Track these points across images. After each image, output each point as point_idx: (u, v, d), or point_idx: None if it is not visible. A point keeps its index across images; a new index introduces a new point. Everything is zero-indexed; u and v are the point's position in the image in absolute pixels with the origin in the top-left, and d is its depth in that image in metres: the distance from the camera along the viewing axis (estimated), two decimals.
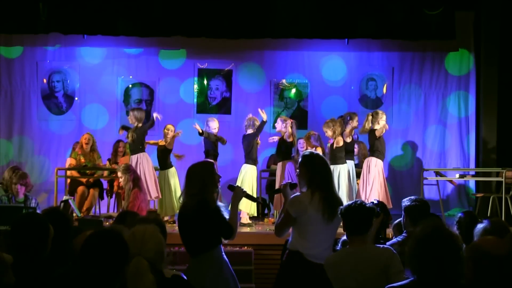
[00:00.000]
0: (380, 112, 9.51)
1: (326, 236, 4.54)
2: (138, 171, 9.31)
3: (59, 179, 10.06)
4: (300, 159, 4.73)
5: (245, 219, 9.29)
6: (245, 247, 8.20)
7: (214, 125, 9.82)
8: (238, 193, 4.82)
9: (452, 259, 2.82)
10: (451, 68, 11.93)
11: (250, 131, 9.72)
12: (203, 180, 4.66)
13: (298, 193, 4.63)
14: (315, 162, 4.64)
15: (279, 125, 9.89)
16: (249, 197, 5.11)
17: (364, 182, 9.35)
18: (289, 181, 4.92)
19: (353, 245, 4.05)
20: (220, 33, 10.74)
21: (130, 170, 8.93)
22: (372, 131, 9.42)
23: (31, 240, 3.63)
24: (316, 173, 4.58)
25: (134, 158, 9.61)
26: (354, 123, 9.59)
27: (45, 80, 11.85)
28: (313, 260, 4.44)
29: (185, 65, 12.02)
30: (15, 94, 11.74)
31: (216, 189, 4.75)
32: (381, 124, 9.35)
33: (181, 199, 4.77)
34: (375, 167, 9.35)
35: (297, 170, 4.76)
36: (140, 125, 9.63)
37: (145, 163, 9.54)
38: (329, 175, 4.66)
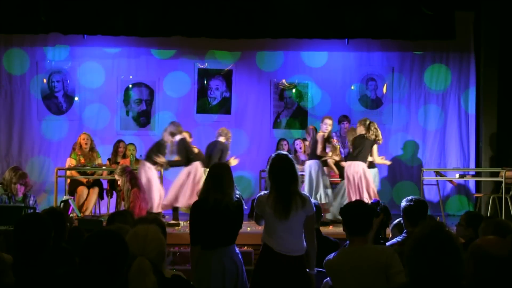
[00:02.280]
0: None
1: (286, 231, 4.79)
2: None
3: (59, 179, 10.06)
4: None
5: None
6: (245, 247, 8.20)
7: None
8: None
9: (450, 260, 2.82)
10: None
11: (221, 139, 9.65)
12: (232, 180, 5.13)
13: (262, 193, 5.00)
14: (272, 163, 4.95)
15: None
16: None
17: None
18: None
19: (353, 245, 4.05)
20: (220, 33, 10.74)
21: (126, 171, 8.94)
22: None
23: (34, 240, 3.64)
24: (271, 174, 4.92)
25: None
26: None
27: (45, 80, 11.85)
28: (282, 252, 4.77)
29: (185, 65, 12.02)
30: (15, 94, 11.74)
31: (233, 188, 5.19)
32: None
33: (200, 194, 5.23)
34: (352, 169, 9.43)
35: None
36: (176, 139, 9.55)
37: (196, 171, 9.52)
38: (285, 175, 4.86)
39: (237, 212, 5.07)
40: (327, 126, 9.75)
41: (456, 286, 2.82)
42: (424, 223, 3.00)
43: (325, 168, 9.85)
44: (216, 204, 5.00)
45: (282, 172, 4.89)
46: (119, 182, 8.99)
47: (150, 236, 3.25)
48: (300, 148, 10.81)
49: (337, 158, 10.03)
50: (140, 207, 8.65)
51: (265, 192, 4.97)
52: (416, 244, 2.86)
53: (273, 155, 5.09)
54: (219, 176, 5.11)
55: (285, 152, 5.13)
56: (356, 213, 4.07)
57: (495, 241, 2.94)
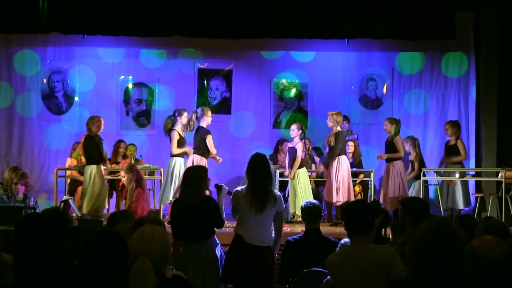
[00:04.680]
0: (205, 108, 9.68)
1: (258, 224, 5.41)
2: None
3: (59, 179, 10.06)
4: None
5: None
6: None
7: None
8: (223, 191, 5.78)
9: (455, 256, 2.83)
10: (448, 71, 11.94)
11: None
12: (201, 181, 5.64)
13: (238, 188, 5.55)
14: (252, 162, 5.53)
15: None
16: (231, 193, 5.88)
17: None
18: (222, 185, 5.86)
19: (355, 245, 4.04)
20: (220, 33, 10.73)
21: (133, 170, 8.94)
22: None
23: (34, 240, 3.64)
24: (250, 171, 5.48)
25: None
26: None
27: (45, 80, 11.84)
28: (250, 242, 5.39)
29: (185, 65, 12.01)
30: (15, 94, 11.73)
31: (208, 188, 5.87)
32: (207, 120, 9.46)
33: (177, 194, 5.97)
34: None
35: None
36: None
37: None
38: (262, 174, 5.44)
39: (205, 208, 5.52)
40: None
41: (459, 282, 2.82)
42: (429, 220, 3.00)
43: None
44: (187, 203, 5.55)
45: (260, 171, 5.46)
46: (123, 180, 8.98)
47: (156, 238, 3.23)
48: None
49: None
50: (143, 207, 8.65)
51: (242, 187, 5.50)
52: (421, 240, 2.87)
53: (252, 154, 5.63)
54: (191, 177, 5.68)
55: (263, 153, 5.68)
56: (357, 213, 4.07)
57: (490, 242, 2.92)
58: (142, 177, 9.08)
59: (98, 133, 9.48)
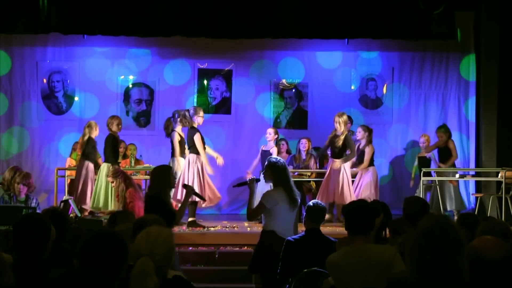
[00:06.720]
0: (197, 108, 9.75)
1: (291, 219, 6.17)
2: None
3: (59, 179, 10.06)
4: (267, 163, 6.17)
5: None
6: (245, 247, 8.20)
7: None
8: (188, 191, 6.27)
9: (453, 251, 2.85)
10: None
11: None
12: (158, 179, 6.07)
13: (269, 189, 6.29)
14: (280, 166, 6.10)
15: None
16: (196, 194, 6.67)
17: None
18: (254, 177, 6.40)
19: (356, 245, 4.04)
20: (220, 33, 10.73)
21: (118, 173, 8.94)
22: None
23: (33, 240, 3.63)
24: (282, 175, 6.09)
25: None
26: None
27: (45, 80, 11.84)
28: (282, 236, 5.90)
29: (184, 65, 12.01)
30: (15, 94, 11.73)
31: (169, 187, 6.16)
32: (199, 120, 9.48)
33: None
34: None
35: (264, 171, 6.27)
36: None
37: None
38: (289, 176, 6.17)
39: (146, 204, 6.07)
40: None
41: (458, 278, 2.83)
42: (428, 216, 3.01)
43: None
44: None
45: (288, 174, 6.14)
46: (113, 185, 9.00)
47: (161, 239, 3.23)
48: (304, 148, 10.85)
49: None
50: (139, 206, 8.63)
51: (271, 189, 6.24)
52: (420, 235, 2.90)
53: (273, 159, 6.20)
54: (151, 177, 6.27)
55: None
56: (358, 212, 4.06)
57: (491, 242, 2.93)
58: (129, 176, 9.08)
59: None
